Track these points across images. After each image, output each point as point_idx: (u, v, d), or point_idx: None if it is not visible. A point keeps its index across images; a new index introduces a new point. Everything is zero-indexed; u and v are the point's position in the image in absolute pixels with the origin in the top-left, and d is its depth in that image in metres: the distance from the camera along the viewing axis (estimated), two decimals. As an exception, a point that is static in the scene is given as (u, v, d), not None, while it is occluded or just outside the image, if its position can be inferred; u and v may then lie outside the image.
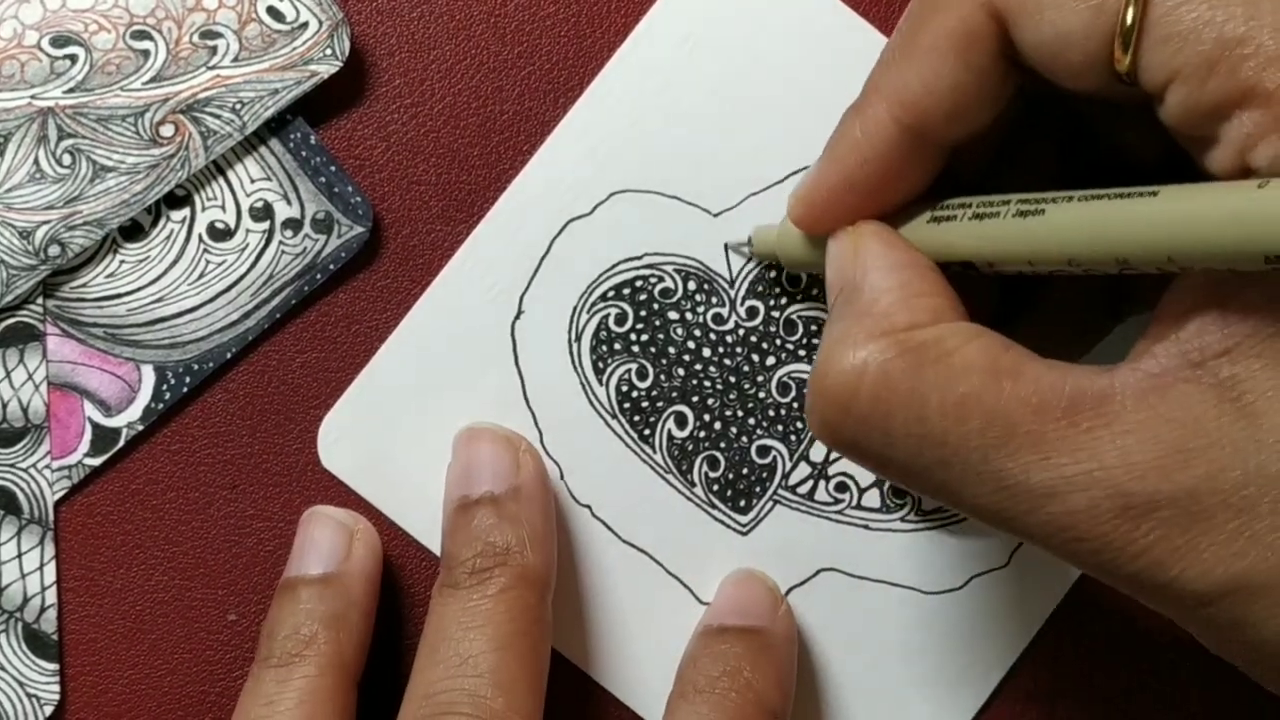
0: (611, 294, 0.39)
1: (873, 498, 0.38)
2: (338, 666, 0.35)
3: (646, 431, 0.39)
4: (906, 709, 0.38)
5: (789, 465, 0.39)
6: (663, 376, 0.39)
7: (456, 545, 0.36)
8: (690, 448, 0.39)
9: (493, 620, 0.34)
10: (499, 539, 0.35)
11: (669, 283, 0.39)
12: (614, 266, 0.39)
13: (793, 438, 0.39)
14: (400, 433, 0.39)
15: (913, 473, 0.29)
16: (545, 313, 0.39)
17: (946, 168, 0.32)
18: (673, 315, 0.39)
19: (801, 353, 0.38)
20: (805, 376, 0.38)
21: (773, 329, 0.39)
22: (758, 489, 0.39)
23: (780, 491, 0.39)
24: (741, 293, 0.39)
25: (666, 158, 0.38)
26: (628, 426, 0.39)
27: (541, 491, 0.37)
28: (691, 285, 0.39)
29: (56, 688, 0.38)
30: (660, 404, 0.39)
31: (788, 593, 0.38)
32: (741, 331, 0.39)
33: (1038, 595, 0.39)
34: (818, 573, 0.39)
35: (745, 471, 0.39)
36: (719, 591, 0.38)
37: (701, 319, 0.39)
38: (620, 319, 0.39)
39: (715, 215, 0.38)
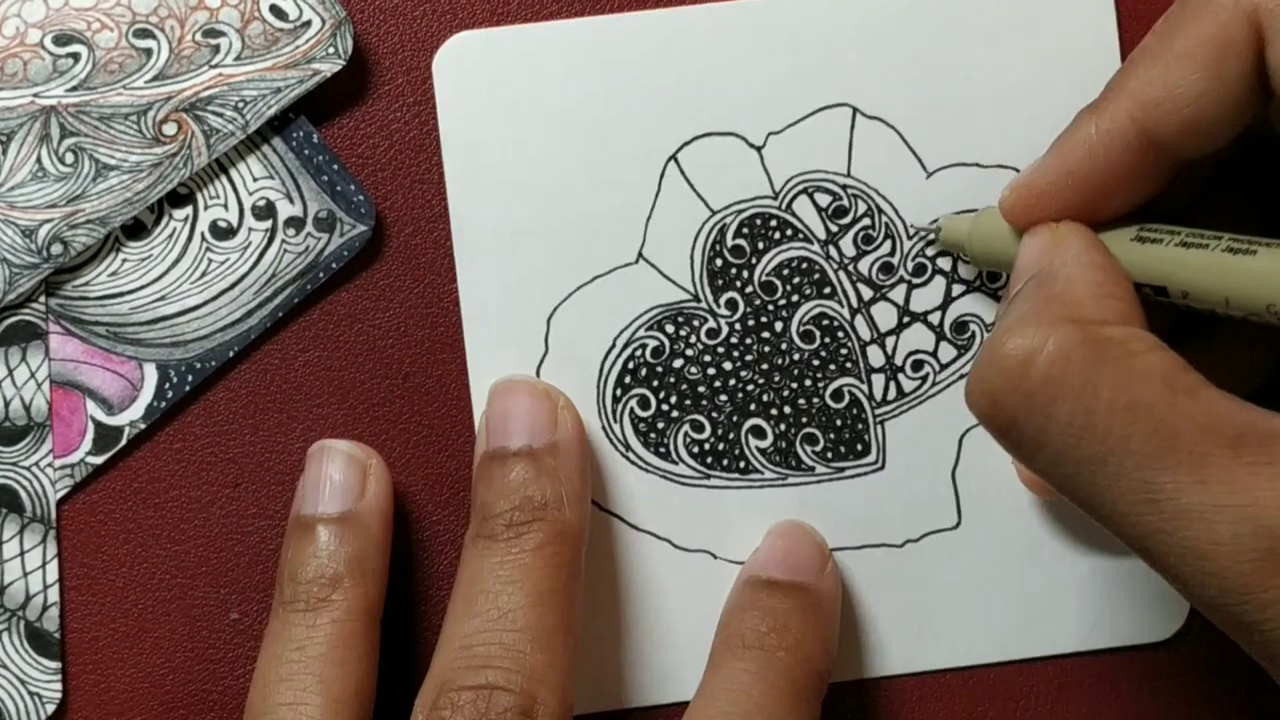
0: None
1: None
2: (364, 610, 0.35)
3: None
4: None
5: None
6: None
7: (492, 496, 0.35)
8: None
9: (531, 575, 0.34)
10: (537, 494, 0.35)
11: (656, 342, 0.38)
12: (614, 341, 0.39)
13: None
14: None
15: (1061, 464, 0.29)
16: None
17: (1158, 194, 0.32)
18: (676, 364, 0.38)
19: (786, 312, 0.38)
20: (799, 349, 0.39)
21: (755, 306, 0.38)
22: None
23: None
24: (721, 307, 0.38)
25: None
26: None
27: (579, 450, 0.37)
28: (670, 329, 0.38)
29: (58, 686, 0.38)
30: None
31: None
32: (735, 336, 0.39)
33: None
34: None
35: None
36: (765, 541, 0.38)
37: (698, 349, 0.38)
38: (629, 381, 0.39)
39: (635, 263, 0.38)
